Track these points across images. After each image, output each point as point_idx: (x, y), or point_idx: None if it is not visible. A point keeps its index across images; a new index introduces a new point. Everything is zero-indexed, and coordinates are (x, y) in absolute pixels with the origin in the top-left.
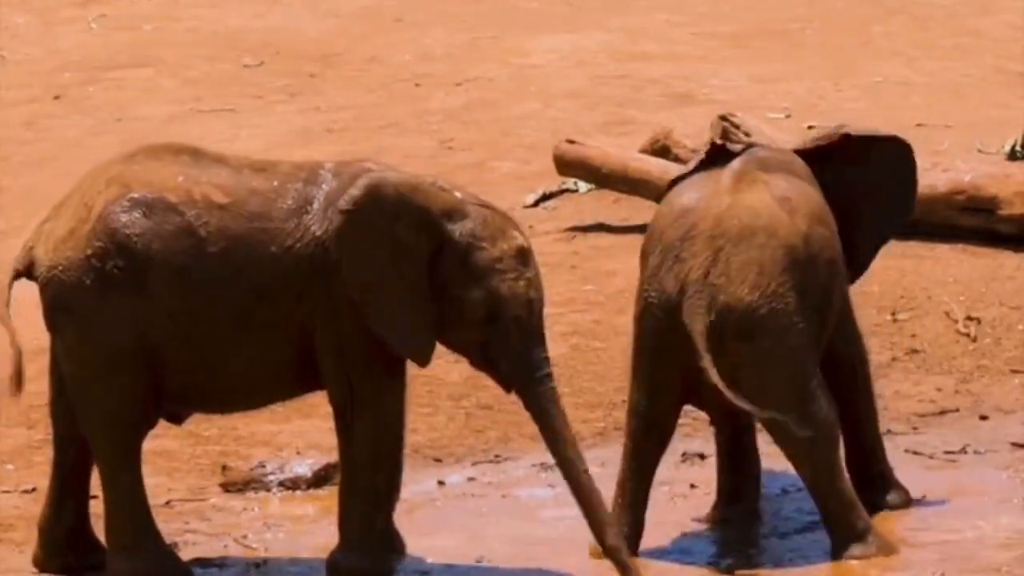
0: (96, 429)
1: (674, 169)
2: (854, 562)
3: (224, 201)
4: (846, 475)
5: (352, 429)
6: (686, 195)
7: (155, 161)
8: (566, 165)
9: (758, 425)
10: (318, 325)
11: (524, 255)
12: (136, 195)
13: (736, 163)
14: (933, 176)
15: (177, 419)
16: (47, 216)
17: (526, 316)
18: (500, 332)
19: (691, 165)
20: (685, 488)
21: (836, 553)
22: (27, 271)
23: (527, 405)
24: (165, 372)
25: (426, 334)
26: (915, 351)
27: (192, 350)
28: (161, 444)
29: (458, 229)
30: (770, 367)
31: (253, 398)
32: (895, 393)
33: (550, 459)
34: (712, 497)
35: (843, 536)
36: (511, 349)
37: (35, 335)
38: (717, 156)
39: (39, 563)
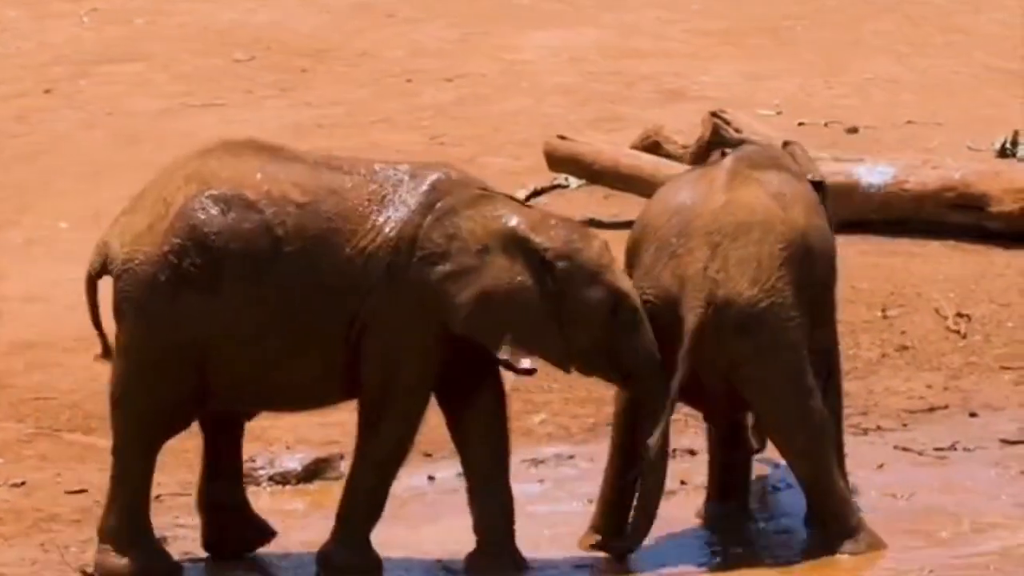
0: (124, 422)
1: (665, 166)
2: (845, 558)
3: (302, 200)
4: (838, 471)
5: (377, 427)
6: (680, 193)
7: (233, 157)
8: (557, 161)
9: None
10: (371, 324)
11: (609, 251)
12: (215, 192)
13: (728, 161)
14: (923, 173)
15: (246, 416)
16: (123, 210)
17: (639, 304)
18: (622, 324)
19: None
20: (675, 484)
21: (827, 549)
22: (102, 268)
23: (644, 395)
24: (217, 371)
25: (560, 345)
26: (905, 348)
27: (254, 348)
28: None
29: (549, 241)
30: (769, 361)
31: (304, 399)
32: (885, 389)
33: (540, 455)
34: (702, 493)
35: (834, 532)
36: (634, 340)
37: (22, 329)
38: (710, 151)
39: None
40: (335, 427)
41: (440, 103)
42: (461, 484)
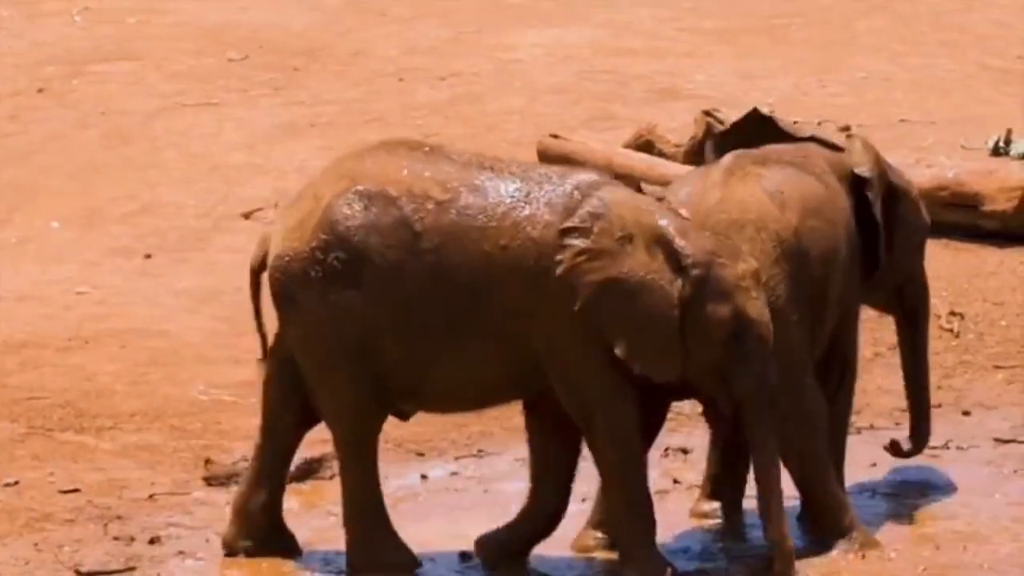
0: (331, 417)
1: (658, 165)
2: (838, 557)
3: (443, 197)
4: (832, 470)
5: (594, 431)
6: (681, 190)
7: (388, 156)
8: (550, 160)
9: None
10: (532, 329)
11: (758, 277)
12: (360, 188)
13: (728, 157)
14: (916, 172)
15: (403, 415)
16: (284, 205)
17: (767, 336)
18: (743, 351)
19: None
20: (668, 483)
21: (820, 548)
22: (263, 261)
23: (751, 427)
24: (384, 368)
25: (674, 354)
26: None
27: (407, 348)
28: (144, 438)
29: (691, 248)
30: None
31: (469, 400)
32: (878, 388)
33: None
34: (695, 492)
35: (827, 531)
36: (751, 369)
37: (15, 328)
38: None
39: (229, 542)
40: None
41: (433, 102)
42: (453, 483)
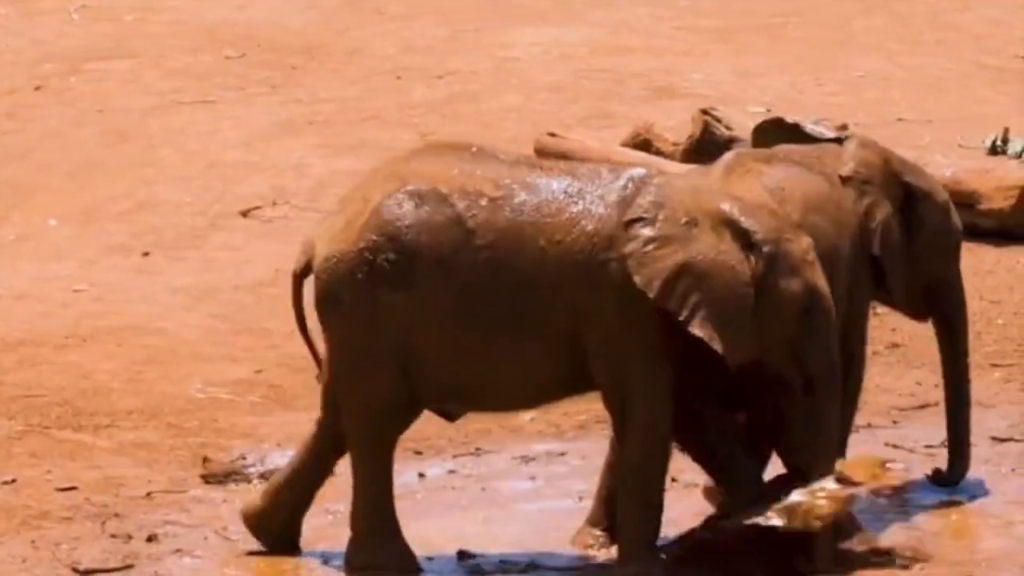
0: (350, 419)
1: (656, 163)
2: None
3: (495, 194)
4: (829, 467)
5: (624, 430)
6: None
7: (436, 157)
8: (547, 158)
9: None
10: (584, 327)
11: (814, 253)
12: (411, 187)
13: (730, 154)
14: None
15: (449, 416)
16: (329, 210)
17: (833, 310)
18: (813, 326)
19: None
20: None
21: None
22: (307, 266)
23: (820, 402)
24: (428, 368)
25: (750, 332)
26: (896, 345)
27: (456, 346)
28: (141, 435)
29: (757, 225)
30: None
31: (519, 399)
32: (875, 387)
33: (530, 452)
34: (690, 490)
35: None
36: (822, 344)
37: (12, 326)
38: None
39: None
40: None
41: (430, 100)
42: (451, 481)
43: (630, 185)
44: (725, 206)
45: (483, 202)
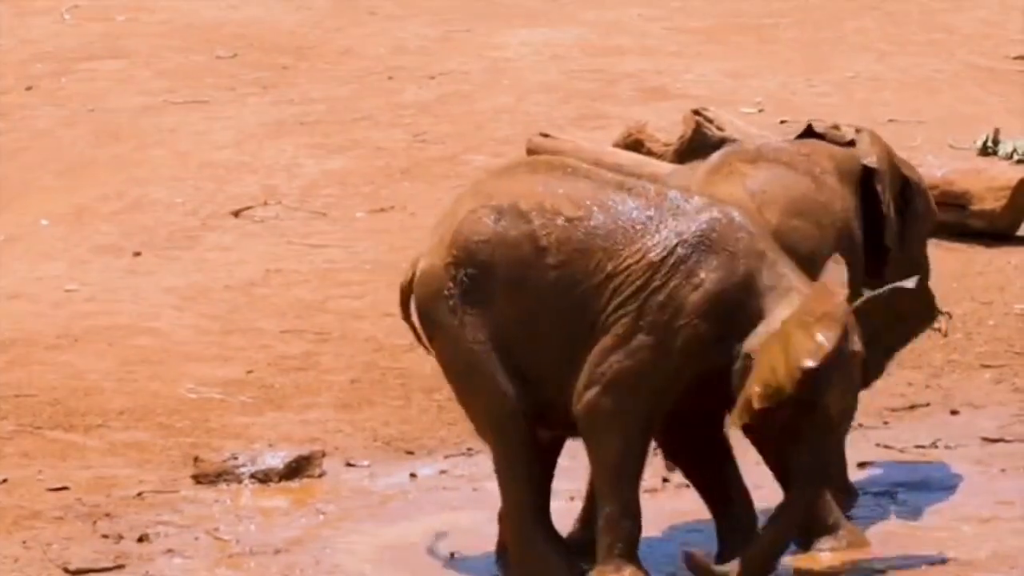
0: (482, 432)
1: (647, 164)
2: (825, 555)
3: (572, 213)
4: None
5: (600, 436)
6: None
7: (527, 173)
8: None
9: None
10: (626, 347)
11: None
12: (492, 203)
13: (717, 154)
14: None
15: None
16: (432, 227)
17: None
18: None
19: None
20: (657, 482)
21: (806, 546)
22: (411, 285)
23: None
24: (521, 385)
25: None
26: None
27: (535, 363)
28: (133, 436)
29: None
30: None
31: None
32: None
33: None
34: (682, 492)
35: (814, 529)
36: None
37: (3, 326)
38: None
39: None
40: (317, 425)
41: (422, 100)
42: (443, 481)
43: (706, 225)
44: (785, 270)
45: (559, 221)
